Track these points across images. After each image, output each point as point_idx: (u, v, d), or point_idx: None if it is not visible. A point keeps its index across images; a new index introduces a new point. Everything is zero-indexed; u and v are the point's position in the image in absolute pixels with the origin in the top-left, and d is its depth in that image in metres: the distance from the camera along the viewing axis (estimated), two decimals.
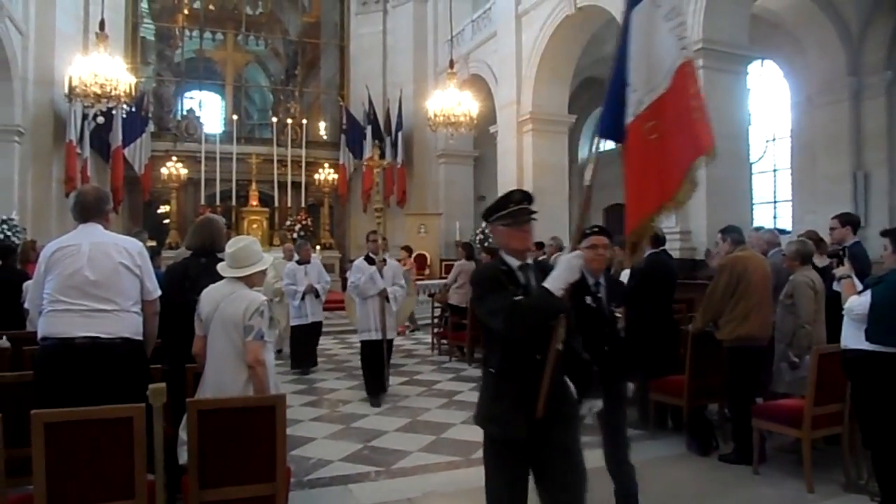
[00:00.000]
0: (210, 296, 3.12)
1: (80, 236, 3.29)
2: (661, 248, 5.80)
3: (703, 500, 4.16)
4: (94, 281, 3.15)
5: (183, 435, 3.02)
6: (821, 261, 5.13)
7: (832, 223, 5.28)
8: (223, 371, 3.07)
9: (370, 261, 6.82)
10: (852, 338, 3.78)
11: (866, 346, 3.66)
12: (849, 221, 5.23)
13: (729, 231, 5.05)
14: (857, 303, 3.73)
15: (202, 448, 2.84)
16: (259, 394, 3.00)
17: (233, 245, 3.22)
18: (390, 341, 6.97)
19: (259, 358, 3.03)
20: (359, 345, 7.05)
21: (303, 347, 8.30)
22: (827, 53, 12.17)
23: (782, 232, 9.71)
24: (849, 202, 11.39)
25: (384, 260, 6.88)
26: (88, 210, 3.35)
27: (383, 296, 6.69)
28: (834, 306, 4.52)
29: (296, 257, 8.62)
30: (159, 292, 3.41)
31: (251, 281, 3.19)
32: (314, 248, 15.37)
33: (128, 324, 3.27)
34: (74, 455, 2.61)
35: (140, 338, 3.35)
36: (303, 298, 8.23)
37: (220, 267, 3.20)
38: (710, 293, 4.90)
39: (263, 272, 3.27)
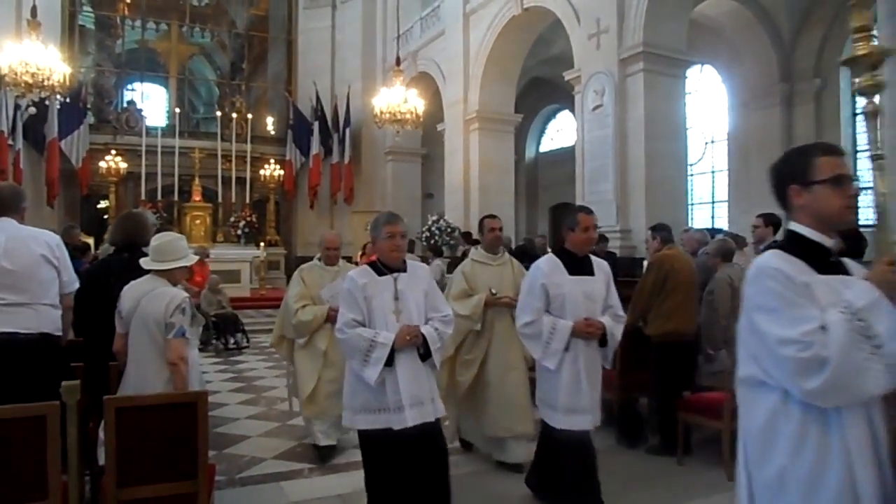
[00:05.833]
0: (131, 293, 3.06)
1: None
2: (602, 246, 5.94)
3: (629, 491, 4.27)
4: (11, 271, 3.07)
5: (102, 434, 2.95)
6: (744, 260, 5.32)
7: (755, 221, 5.48)
8: (145, 369, 3.01)
9: (572, 263, 3.65)
10: None
11: None
12: (771, 221, 5.44)
13: (658, 229, 5.21)
14: None
15: (120, 446, 2.79)
16: (180, 391, 2.96)
17: (157, 239, 3.18)
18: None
19: (181, 355, 2.99)
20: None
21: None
22: (761, 60, 12.66)
23: (719, 231, 10.04)
24: None
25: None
26: (4, 204, 3.26)
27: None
28: None
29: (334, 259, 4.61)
30: (76, 286, 3.34)
31: (173, 277, 3.14)
32: (258, 244, 15.08)
33: (47, 319, 3.20)
34: None
35: (60, 333, 3.28)
36: (389, 363, 3.02)
37: (143, 260, 3.15)
38: (639, 290, 5.05)
39: (186, 269, 3.22)
